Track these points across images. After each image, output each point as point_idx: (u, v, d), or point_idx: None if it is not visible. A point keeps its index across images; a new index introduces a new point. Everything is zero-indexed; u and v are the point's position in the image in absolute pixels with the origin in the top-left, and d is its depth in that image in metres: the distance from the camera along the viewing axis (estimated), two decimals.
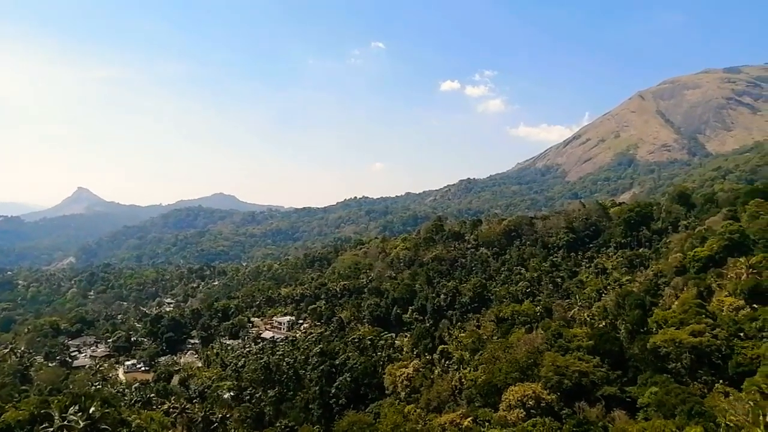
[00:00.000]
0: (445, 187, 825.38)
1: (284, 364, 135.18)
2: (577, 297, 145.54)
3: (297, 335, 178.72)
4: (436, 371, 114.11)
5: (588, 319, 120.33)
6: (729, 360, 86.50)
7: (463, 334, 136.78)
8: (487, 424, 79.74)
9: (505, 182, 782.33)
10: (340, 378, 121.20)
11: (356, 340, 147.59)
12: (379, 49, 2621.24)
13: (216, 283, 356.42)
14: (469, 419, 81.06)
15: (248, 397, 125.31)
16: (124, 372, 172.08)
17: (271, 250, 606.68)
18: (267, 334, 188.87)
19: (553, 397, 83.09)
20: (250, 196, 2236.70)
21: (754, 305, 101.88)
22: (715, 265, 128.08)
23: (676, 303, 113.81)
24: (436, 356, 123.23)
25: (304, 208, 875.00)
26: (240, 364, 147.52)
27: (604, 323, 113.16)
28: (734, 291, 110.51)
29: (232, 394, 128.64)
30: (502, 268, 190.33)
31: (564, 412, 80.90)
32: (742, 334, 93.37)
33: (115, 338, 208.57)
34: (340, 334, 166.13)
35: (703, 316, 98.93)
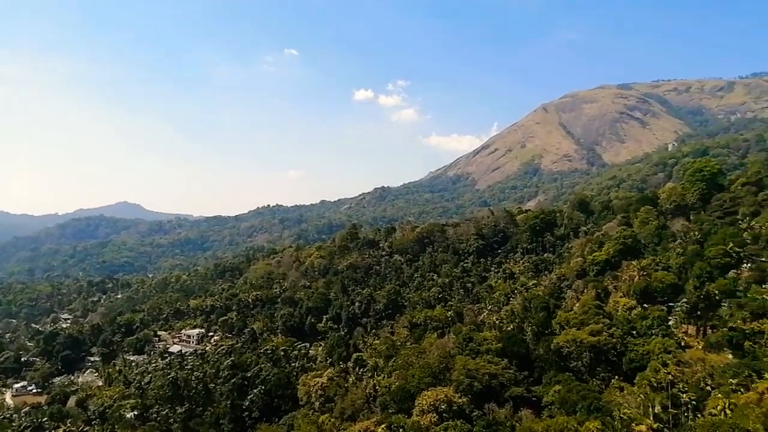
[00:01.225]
0: (359, 195, 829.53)
1: (193, 378, 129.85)
2: (487, 301, 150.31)
3: (207, 348, 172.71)
4: (351, 379, 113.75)
5: (497, 322, 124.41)
6: (623, 357, 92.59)
7: (377, 341, 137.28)
8: (400, 430, 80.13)
9: (418, 190, 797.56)
10: (254, 391, 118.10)
11: (269, 351, 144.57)
12: (292, 56, 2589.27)
13: (119, 296, 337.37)
14: (383, 426, 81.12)
15: (154, 416, 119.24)
16: (12, 395, 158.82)
17: (180, 260, 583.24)
18: (175, 348, 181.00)
19: (464, 399, 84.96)
20: (156, 205, 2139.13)
21: (645, 305, 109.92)
22: (612, 268, 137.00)
23: (577, 305, 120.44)
24: (350, 364, 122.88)
25: (214, 216, 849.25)
26: (145, 380, 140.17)
27: (511, 326, 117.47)
28: (628, 292, 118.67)
29: (136, 413, 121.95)
30: (416, 275, 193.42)
31: (474, 414, 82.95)
32: (634, 332, 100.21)
33: (1, 359, 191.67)
34: (252, 346, 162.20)
35: (601, 316, 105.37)
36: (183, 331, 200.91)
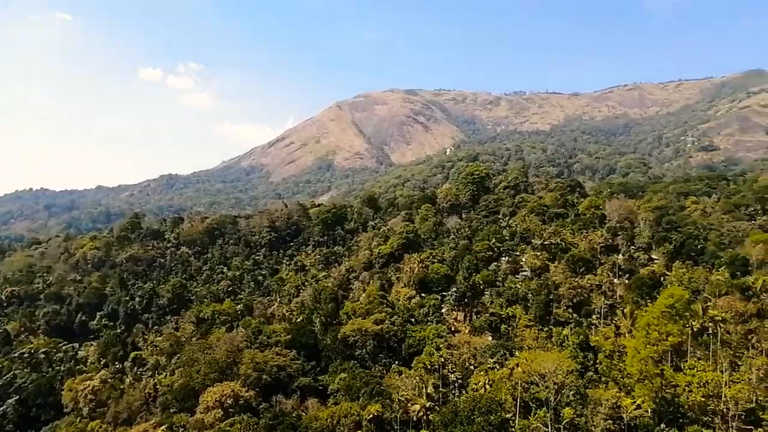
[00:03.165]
0: (144, 181, 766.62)
1: None
2: (278, 294, 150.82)
3: None
4: (128, 380, 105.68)
5: (287, 314, 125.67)
6: (403, 343, 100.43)
7: (159, 338, 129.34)
8: (182, 429, 76.63)
9: (209, 179, 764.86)
10: (8, 401, 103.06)
11: (26, 355, 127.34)
12: (64, 21, 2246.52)
13: None
14: (163, 427, 76.96)
15: None
16: None
17: None
18: None
19: (252, 393, 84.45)
20: None
21: (422, 294, 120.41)
22: (395, 260, 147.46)
23: (363, 295, 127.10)
24: (128, 364, 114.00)
25: None
26: None
27: (301, 318, 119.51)
28: (408, 282, 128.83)
29: None
30: (204, 268, 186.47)
31: (262, 406, 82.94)
32: (413, 320, 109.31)
33: None
34: (5, 350, 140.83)
35: (385, 305, 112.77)
36: None
